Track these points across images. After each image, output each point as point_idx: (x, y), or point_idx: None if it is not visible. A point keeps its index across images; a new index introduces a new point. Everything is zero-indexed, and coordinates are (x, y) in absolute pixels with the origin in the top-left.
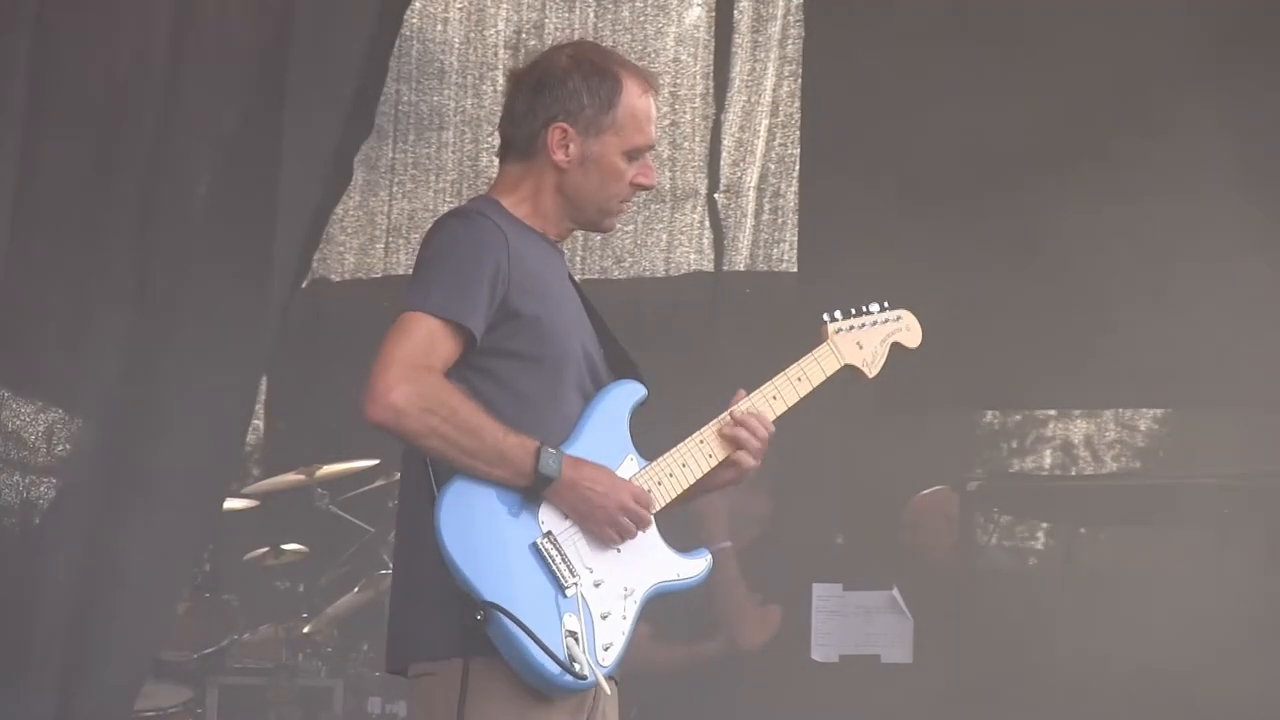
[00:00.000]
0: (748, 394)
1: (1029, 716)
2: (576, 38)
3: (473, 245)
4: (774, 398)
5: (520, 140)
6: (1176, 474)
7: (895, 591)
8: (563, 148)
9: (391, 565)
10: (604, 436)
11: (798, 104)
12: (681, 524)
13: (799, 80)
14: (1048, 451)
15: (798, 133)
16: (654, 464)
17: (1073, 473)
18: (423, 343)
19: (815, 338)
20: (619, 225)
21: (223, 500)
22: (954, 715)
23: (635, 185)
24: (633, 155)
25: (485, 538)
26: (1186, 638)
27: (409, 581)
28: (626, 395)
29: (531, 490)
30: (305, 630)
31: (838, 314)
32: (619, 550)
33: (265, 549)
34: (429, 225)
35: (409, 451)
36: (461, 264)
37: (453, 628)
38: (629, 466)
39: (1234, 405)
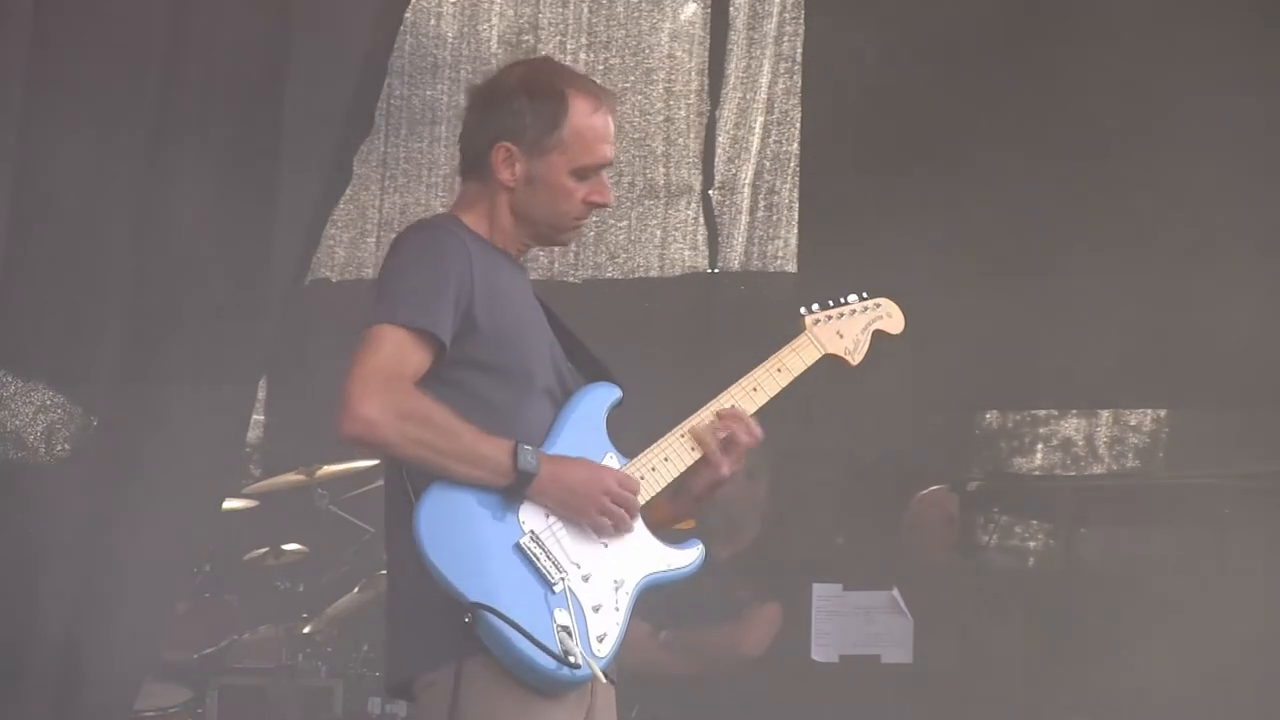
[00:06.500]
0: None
1: (1029, 716)
2: (570, 33)
3: (436, 255)
4: (754, 390)
5: (471, 158)
6: (1176, 474)
7: (895, 591)
8: (508, 167)
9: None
10: (582, 437)
11: (793, 101)
12: None
13: (794, 77)
14: (1047, 451)
15: (793, 129)
16: (634, 460)
17: (1072, 473)
18: (392, 354)
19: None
20: (613, 221)
21: (223, 500)
22: (954, 715)
23: (589, 204)
24: (582, 174)
25: (467, 541)
26: (1186, 638)
27: (398, 598)
28: (602, 397)
29: (513, 489)
30: (305, 630)
31: (815, 306)
32: (605, 545)
33: (265, 549)
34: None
35: (389, 473)
36: (426, 274)
37: (445, 634)
38: (610, 464)
39: (1234, 405)
